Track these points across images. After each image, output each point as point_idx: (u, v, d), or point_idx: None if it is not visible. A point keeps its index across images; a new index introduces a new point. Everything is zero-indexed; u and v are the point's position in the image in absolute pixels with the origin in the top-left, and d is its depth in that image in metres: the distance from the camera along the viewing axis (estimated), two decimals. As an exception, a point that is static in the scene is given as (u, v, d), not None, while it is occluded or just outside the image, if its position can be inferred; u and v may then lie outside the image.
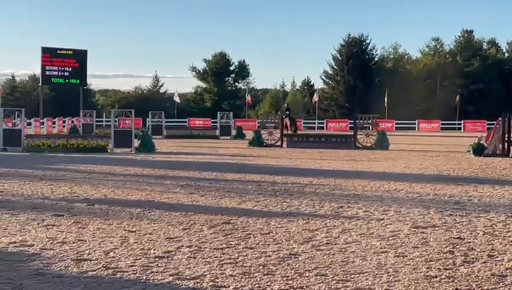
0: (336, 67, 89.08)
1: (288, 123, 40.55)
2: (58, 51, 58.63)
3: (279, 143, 32.80)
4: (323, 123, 70.55)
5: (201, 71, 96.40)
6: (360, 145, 31.38)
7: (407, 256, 7.39)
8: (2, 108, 29.67)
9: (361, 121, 33.36)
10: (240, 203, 11.72)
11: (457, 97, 73.03)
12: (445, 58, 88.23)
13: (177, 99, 74.46)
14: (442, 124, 68.66)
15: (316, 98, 75.19)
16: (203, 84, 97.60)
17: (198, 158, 23.87)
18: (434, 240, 8.35)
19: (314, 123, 72.38)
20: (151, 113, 47.50)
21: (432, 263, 7.09)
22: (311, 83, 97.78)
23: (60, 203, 11.55)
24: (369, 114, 34.52)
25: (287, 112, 43.70)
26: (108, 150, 27.52)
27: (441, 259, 7.27)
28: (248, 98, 78.26)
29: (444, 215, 10.45)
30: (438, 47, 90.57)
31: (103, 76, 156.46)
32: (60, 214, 10.17)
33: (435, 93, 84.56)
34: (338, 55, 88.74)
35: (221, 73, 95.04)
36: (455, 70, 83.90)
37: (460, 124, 69.85)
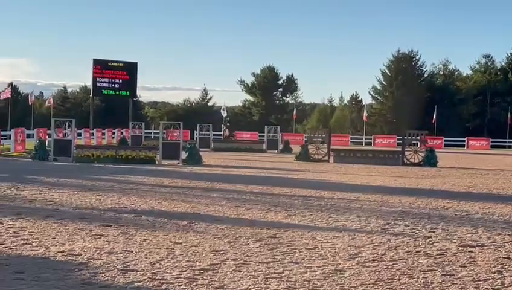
0: (384, 82, 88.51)
1: (228, 133, 56.47)
2: (109, 63, 59.30)
3: (326, 158, 32.70)
4: (370, 139, 70.01)
5: (250, 85, 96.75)
6: (408, 162, 31.10)
7: (454, 275, 7.28)
8: (53, 118, 30.16)
9: (409, 138, 33.06)
10: (286, 217, 11.70)
11: (509, 115, 71.86)
12: (496, 75, 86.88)
13: (224, 113, 74.90)
14: (492, 142, 67.56)
15: (365, 114, 74.89)
16: (251, 98, 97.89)
17: (245, 171, 23.92)
18: (482, 260, 8.21)
19: (362, 139, 71.93)
20: (199, 126, 47.76)
21: (479, 282, 6.98)
22: (359, 98, 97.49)
23: (108, 213, 11.68)
24: (417, 130, 34.17)
25: (228, 124, 57.79)
26: (156, 162, 27.76)
27: (489, 279, 7.15)
28: (295, 112, 78.23)
29: (493, 234, 10.28)
30: (489, 64, 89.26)
31: (153, 88, 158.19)
32: (108, 225, 10.28)
33: (485, 111, 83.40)
34: (387, 71, 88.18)
35: (269, 87, 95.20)
36: (506, 88, 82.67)
37: (511, 142, 68.69)
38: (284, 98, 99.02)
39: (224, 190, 16.44)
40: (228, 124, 59.37)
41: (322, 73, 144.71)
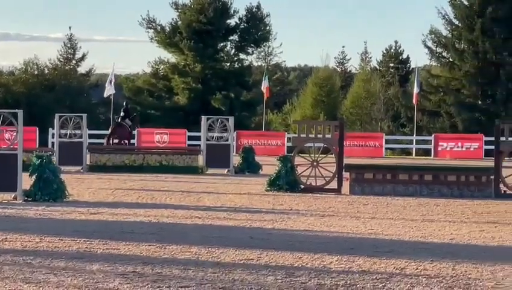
0: (457, 22, 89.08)
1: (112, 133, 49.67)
2: None
3: (334, 184, 32.70)
4: (428, 142, 70.56)
5: (168, 29, 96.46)
6: (510, 191, 31.31)
7: None
8: None
9: (511, 139, 33.26)
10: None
11: None
12: None
13: (109, 90, 73.19)
14: None
15: (416, 90, 74.85)
16: (170, 57, 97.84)
17: (158, 216, 23.92)
18: None
19: (411, 142, 72.44)
20: (60, 117, 47.48)
21: None
22: (404, 57, 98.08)
23: None
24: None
25: (123, 115, 52.94)
26: (-34, 197, 27.68)
27: None
28: (265, 84, 77.84)
29: None
30: None
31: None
32: None
33: None
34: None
35: (211, 32, 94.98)
36: None
37: None
38: (242, 55, 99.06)
39: (114, 257, 16.47)
40: (123, 116, 53.59)
41: (320, 5, 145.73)
